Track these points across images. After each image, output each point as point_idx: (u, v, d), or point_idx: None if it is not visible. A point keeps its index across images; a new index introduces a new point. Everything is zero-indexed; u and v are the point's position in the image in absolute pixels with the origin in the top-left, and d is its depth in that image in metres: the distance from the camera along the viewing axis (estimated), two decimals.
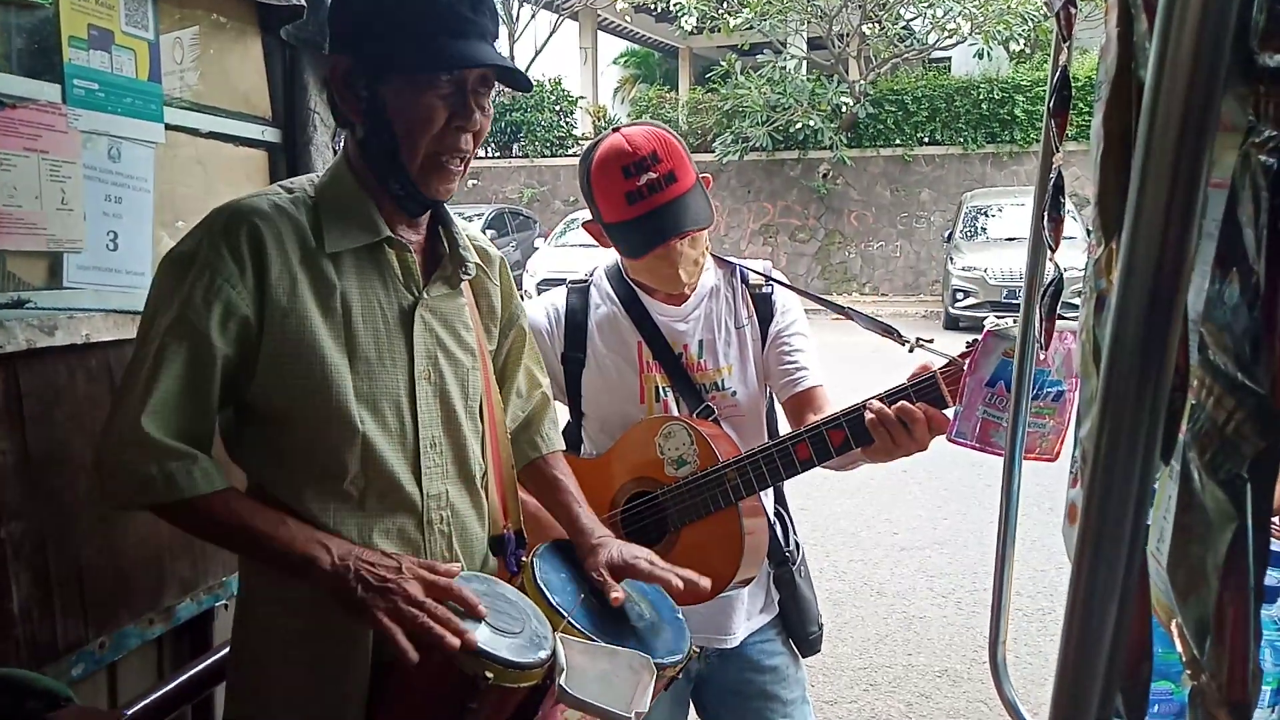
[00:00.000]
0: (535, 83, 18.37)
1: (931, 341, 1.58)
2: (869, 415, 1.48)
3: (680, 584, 1.37)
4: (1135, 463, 0.43)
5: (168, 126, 1.65)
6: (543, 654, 1.18)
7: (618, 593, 1.34)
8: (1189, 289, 0.44)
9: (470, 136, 1.25)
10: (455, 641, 1.10)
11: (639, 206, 1.57)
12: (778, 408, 1.84)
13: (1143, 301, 0.42)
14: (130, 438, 1.12)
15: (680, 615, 1.45)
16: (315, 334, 1.21)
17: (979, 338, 1.41)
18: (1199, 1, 0.40)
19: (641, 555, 1.41)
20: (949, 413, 1.46)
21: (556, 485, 1.53)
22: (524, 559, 1.41)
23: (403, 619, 1.11)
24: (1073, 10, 0.93)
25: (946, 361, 1.51)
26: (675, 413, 1.71)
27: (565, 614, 1.29)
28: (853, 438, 1.53)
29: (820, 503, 5.38)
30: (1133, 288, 0.43)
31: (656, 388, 1.72)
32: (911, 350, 1.60)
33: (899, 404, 1.47)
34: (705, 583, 1.40)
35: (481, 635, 1.14)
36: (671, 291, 1.72)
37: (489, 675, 1.12)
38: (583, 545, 1.44)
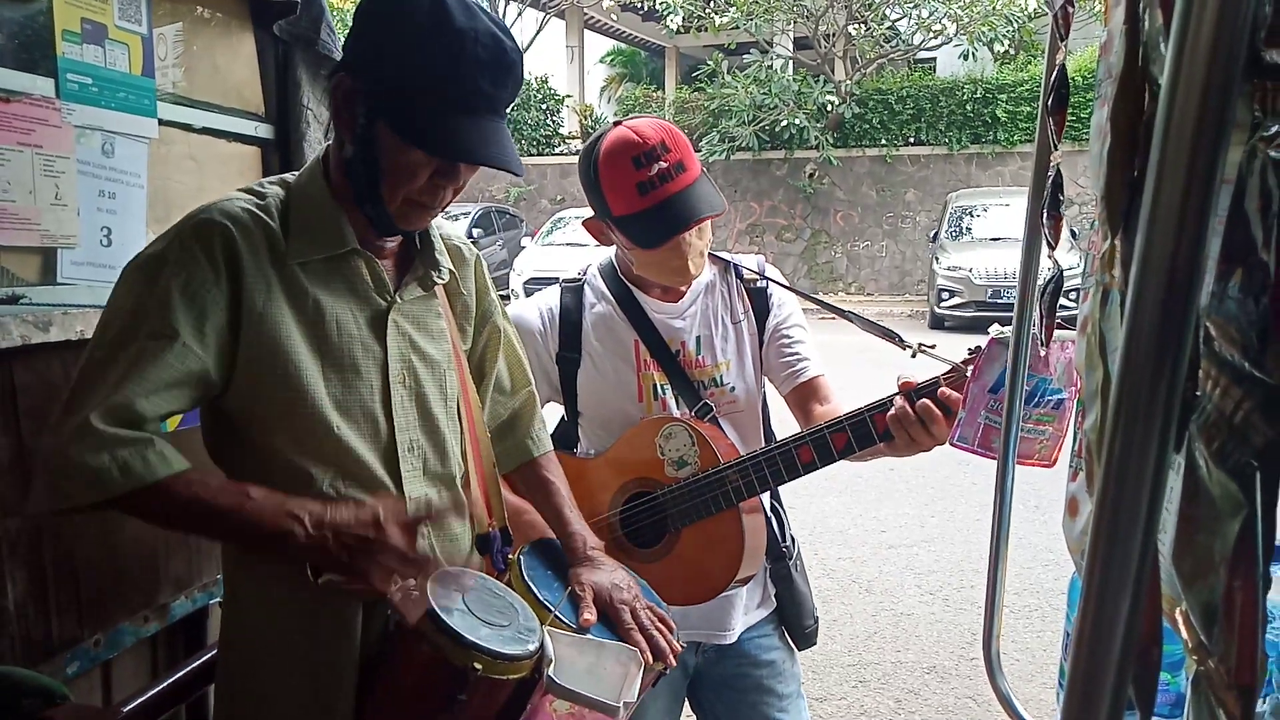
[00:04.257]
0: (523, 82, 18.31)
1: (934, 347, 1.57)
2: (892, 412, 1.49)
3: (649, 656, 1.33)
4: (1149, 456, 0.44)
5: (160, 122, 1.65)
6: (531, 646, 1.19)
7: (590, 615, 1.34)
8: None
9: (451, 190, 1.25)
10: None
11: (651, 197, 1.55)
12: (771, 407, 1.85)
13: (1158, 296, 0.43)
14: (76, 434, 1.06)
15: (666, 611, 1.45)
16: (290, 339, 1.19)
17: (983, 344, 1.42)
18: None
19: (627, 602, 1.38)
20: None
21: (549, 489, 1.53)
22: (510, 556, 1.42)
23: (390, 579, 1.15)
24: (1070, 10, 0.94)
25: (949, 368, 1.51)
26: (674, 410, 1.71)
27: (552, 608, 1.31)
28: (855, 441, 1.54)
29: (809, 501, 5.40)
30: (1148, 282, 0.44)
31: (654, 385, 1.71)
32: (914, 356, 1.60)
33: (921, 401, 1.47)
34: (676, 649, 1.37)
35: (470, 628, 1.15)
36: (680, 285, 1.72)
37: (478, 666, 1.13)
38: (574, 550, 1.44)
